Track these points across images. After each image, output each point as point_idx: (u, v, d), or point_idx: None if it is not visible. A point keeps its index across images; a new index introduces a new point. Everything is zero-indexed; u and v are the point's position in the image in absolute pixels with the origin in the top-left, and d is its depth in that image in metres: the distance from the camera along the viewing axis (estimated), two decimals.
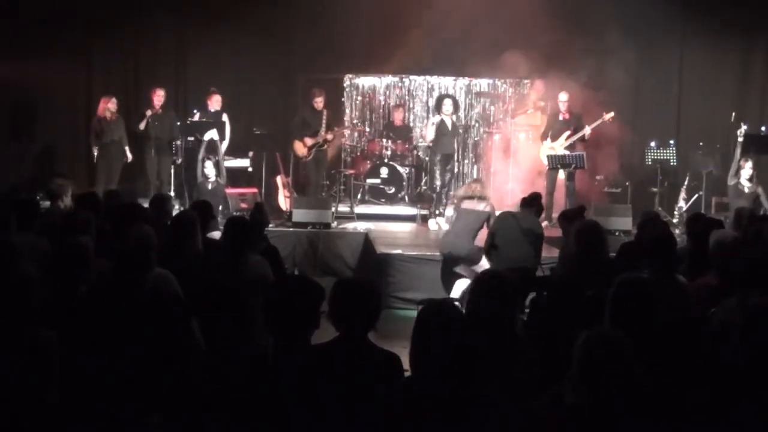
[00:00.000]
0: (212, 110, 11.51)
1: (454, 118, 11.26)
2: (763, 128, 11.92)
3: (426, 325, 2.97)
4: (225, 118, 11.43)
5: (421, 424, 2.81)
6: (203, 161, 10.37)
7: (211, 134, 10.84)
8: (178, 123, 11.54)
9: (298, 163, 11.80)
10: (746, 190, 10.31)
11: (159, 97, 11.36)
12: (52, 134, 12.35)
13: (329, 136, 11.56)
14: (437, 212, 11.07)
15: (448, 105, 10.94)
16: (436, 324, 2.93)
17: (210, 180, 10.28)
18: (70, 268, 4.32)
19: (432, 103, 13.67)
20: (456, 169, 12.18)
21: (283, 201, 11.48)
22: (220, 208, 9.92)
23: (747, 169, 10.34)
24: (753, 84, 13.02)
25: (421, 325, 2.98)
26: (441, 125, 10.85)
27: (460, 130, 12.06)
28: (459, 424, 2.80)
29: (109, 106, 11.16)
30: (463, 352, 2.86)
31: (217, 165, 10.37)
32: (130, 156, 11.34)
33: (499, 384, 2.98)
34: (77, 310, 3.97)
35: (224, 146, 11.22)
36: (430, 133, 10.99)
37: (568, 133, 11.12)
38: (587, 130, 10.96)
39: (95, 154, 11.17)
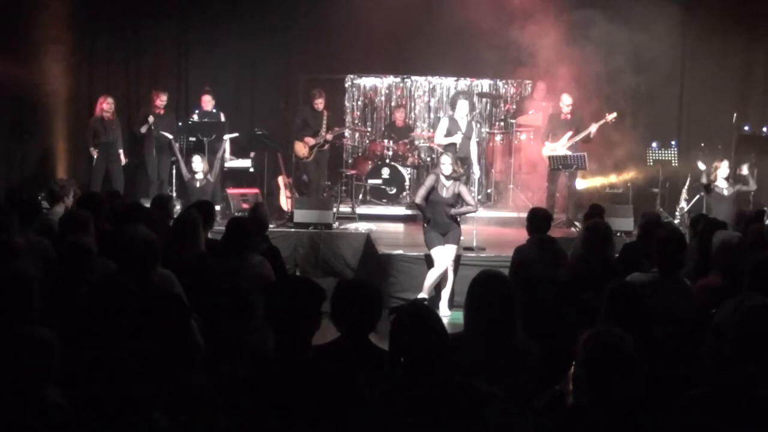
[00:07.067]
0: (207, 110, 11.56)
1: (469, 117, 10.69)
2: (765, 129, 11.91)
3: (406, 331, 2.94)
4: (222, 117, 11.50)
5: (420, 424, 2.80)
6: (191, 156, 10.37)
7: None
8: (180, 123, 11.55)
9: (299, 164, 11.80)
10: (725, 193, 10.33)
11: (162, 101, 11.42)
12: (54, 135, 12.35)
13: (329, 137, 11.57)
14: None
15: (463, 106, 10.41)
16: (415, 328, 2.93)
17: (197, 177, 10.25)
18: (73, 268, 4.32)
19: (433, 103, 13.66)
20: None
21: (285, 201, 11.48)
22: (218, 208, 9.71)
23: (723, 169, 10.36)
24: (755, 85, 13.01)
25: (399, 332, 2.96)
26: (454, 127, 10.34)
27: (484, 133, 11.68)
28: (457, 423, 2.80)
29: (105, 107, 11.17)
30: (441, 347, 2.87)
31: (209, 162, 10.32)
32: (124, 159, 11.39)
33: (499, 384, 2.97)
34: (79, 310, 3.97)
35: (226, 145, 11.29)
36: (439, 136, 10.45)
37: (570, 133, 11.11)
38: (593, 128, 10.93)
39: (94, 156, 11.17)
